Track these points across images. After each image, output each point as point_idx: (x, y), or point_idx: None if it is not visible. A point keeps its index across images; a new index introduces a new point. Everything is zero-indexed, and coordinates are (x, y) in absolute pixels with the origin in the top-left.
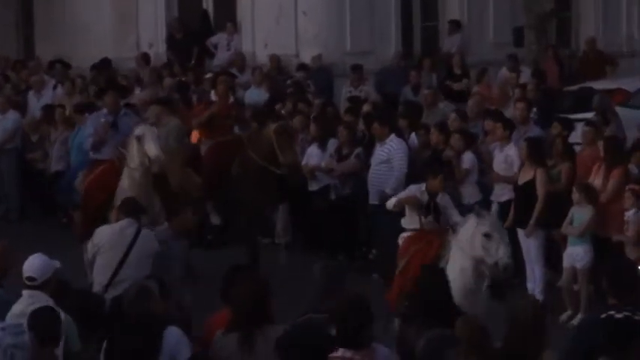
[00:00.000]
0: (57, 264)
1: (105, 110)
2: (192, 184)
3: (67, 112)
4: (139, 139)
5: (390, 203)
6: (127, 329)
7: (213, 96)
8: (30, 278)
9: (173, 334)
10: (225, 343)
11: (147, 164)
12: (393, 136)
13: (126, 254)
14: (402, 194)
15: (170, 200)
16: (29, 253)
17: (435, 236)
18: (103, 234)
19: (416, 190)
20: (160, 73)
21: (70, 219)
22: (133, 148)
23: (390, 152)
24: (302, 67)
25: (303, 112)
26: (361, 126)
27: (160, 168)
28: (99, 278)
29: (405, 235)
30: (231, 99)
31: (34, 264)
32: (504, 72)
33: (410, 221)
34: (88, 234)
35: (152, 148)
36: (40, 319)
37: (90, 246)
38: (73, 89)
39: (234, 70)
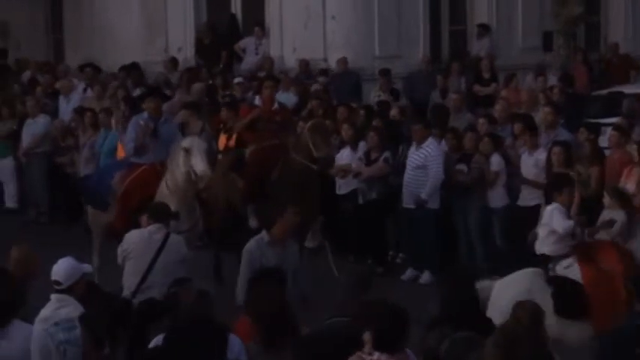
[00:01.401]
0: (86, 268)
1: (145, 115)
2: (236, 189)
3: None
4: (187, 151)
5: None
6: (190, 334)
7: (257, 100)
8: (56, 282)
9: (236, 342)
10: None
11: (192, 177)
12: (430, 140)
13: (154, 260)
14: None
15: (209, 207)
16: (57, 257)
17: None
18: (131, 239)
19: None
20: (190, 77)
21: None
22: (180, 158)
23: (427, 157)
24: (324, 72)
25: (330, 116)
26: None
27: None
28: (127, 283)
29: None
30: (276, 104)
31: (60, 268)
32: (531, 77)
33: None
34: (125, 232)
35: (199, 164)
36: (86, 325)
37: (119, 251)
38: (103, 93)
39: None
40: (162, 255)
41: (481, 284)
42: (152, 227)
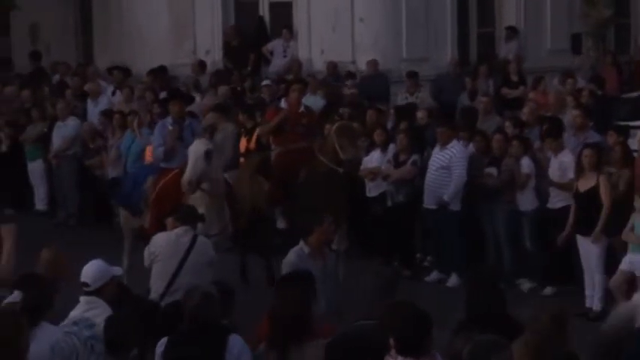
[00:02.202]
0: (116, 270)
1: (170, 119)
2: (261, 192)
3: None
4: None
5: None
6: (189, 336)
7: (283, 103)
8: (85, 284)
9: (237, 342)
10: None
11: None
12: (455, 141)
13: (182, 262)
14: None
15: (236, 210)
16: (87, 259)
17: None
18: (159, 242)
19: None
20: (218, 80)
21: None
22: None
23: (451, 159)
24: (351, 75)
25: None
26: None
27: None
28: (155, 286)
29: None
30: (302, 107)
31: (89, 270)
32: (557, 80)
33: None
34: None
35: (187, 171)
36: (112, 328)
37: (146, 254)
38: (131, 96)
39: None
40: (190, 257)
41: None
42: (179, 230)
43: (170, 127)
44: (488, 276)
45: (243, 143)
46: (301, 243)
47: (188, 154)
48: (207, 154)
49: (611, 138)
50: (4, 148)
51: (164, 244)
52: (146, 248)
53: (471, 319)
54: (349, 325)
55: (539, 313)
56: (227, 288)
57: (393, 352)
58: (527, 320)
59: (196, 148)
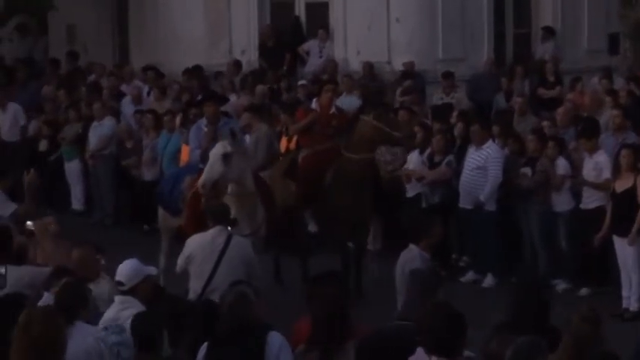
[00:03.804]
0: (151, 270)
1: (204, 120)
2: (292, 193)
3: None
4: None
5: None
6: (228, 336)
7: (314, 104)
8: (119, 283)
9: (277, 339)
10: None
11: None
12: (490, 142)
13: (217, 263)
14: None
15: (273, 210)
16: (123, 259)
17: None
18: (194, 244)
19: None
20: (254, 80)
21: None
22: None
23: (487, 159)
24: (407, 75)
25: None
26: None
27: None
28: (193, 287)
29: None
30: (333, 108)
31: (123, 269)
32: (595, 80)
33: None
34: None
35: (204, 173)
36: (140, 325)
37: (181, 259)
38: (162, 96)
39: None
40: (226, 257)
41: None
42: (214, 230)
43: (205, 129)
44: (535, 282)
45: (283, 143)
46: (415, 248)
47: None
48: (225, 157)
49: None
50: (42, 147)
51: (199, 246)
52: (180, 254)
53: (514, 322)
54: (385, 325)
55: (572, 316)
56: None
57: (420, 351)
58: (561, 324)
59: (215, 151)
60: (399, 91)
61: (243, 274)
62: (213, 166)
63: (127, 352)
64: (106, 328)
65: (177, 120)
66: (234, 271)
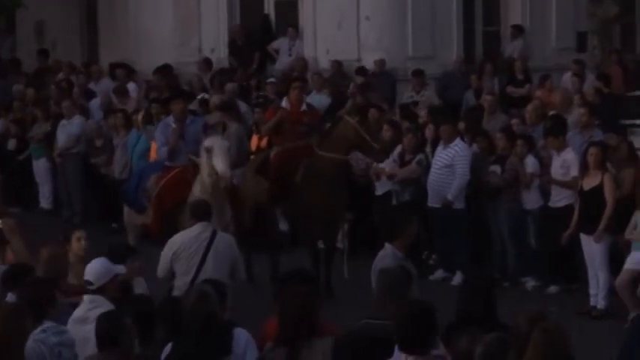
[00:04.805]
0: (119, 269)
1: (171, 118)
2: (263, 191)
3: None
4: (209, 150)
5: None
6: (193, 334)
7: (284, 102)
8: (88, 282)
9: (243, 335)
10: (272, 358)
11: (214, 177)
12: (458, 139)
13: (204, 258)
14: None
15: (240, 208)
16: (91, 258)
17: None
18: (178, 242)
19: None
20: (223, 78)
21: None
22: (203, 158)
23: (455, 157)
24: (361, 70)
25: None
26: None
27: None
28: (178, 284)
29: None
30: (304, 105)
31: (92, 268)
32: (568, 77)
33: None
34: (160, 233)
35: (220, 164)
36: (101, 324)
37: (163, 259)
38: (126, 94)
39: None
40: (211, 253)
41: None
42: (197, 227)
43: (173, 126)
44: (485, 276)
45: (254, 141)
46: (389, 247)
47: (211, 150)
48: (208, 151)
49: (615, 138)
50: (11, 145)
51: (184, 243)
52: (162, 256)
53: (465, 317)
54: (356, 324)
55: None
56: (220, 287)
57: (397, 350)
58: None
59: (221, 143)
60: (352, 86)
61: (228, 270)
62: (226, 155)
63: (69, 353)
64: (44, 331)
65: (139, 117)
66: (220, 266)
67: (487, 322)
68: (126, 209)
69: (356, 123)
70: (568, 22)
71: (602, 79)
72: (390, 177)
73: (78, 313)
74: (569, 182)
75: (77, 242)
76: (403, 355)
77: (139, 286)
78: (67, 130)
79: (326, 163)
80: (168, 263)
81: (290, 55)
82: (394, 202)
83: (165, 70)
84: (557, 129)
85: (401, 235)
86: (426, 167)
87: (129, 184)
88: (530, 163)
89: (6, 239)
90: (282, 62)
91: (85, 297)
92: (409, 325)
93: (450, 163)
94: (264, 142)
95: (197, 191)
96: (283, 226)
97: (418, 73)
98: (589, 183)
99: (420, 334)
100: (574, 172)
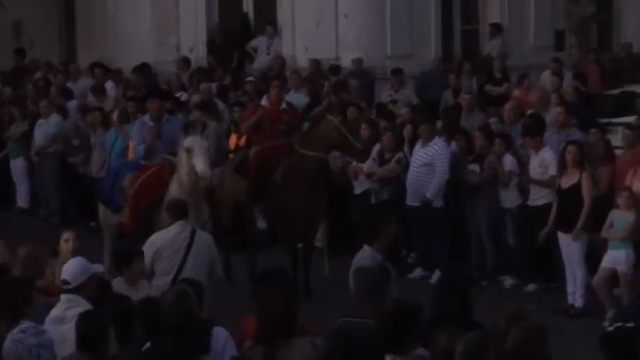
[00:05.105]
0: (96, 268)
1: (147, 116)
2: (242, 190)
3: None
4: (188, 150)
5: None
6: (171, 333)
7: (264, 101)
8: (65, 282)
9: (222, 334)
10: (251, 356)
11: (194, 176)
12: (437, 138)
13: (185, 257)
14: None
15: (218, 207)
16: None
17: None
18: (158, 241)
19: None
20: (201, 77)
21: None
22: (182, 157)
23: (434, 156)
24: (335, 69)
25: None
26: None
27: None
28: (159, 283)
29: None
30: (284, 104)
31: (69, 268)
32: (546, 75)
33: None
34: (136, 233)
35: (200, 164)
36: (82, 324)
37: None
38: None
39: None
40: (192, 251)
41: None
42: (176, 226)
43: (150, 124)
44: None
45: (233, 140)
46: (368, 249)
47: (191, 150)
48: (188, 151)
49: (594, 135)
50: None
51: (164, 242)
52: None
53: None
54: (334, 323)
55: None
56: (198, 286)
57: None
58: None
59: (201, 143)
60: (327, 85)
61: (207, 269)
62: (205, 157)
63: (48, 354)
64: (23, 331)
65: (115, 116)
66: (199, 265)
67: (463, 320)
68: (101, 208)
69: (339, 122)
70: (546, 20)
71: (579, 78)
72: (369, 176)
73: (55, 312)
74: (547, 181)
75: (65, 243)
76: (388, 357)
77: (143, 288)
78: (45, 129)
79: (306, 162)
80: (149, 263)
81: (268, 53)
82: (373, 200)
83: (143, 69)
84: (534, 128)
85: (379, 237)
86: (405, 166)
87: (104, 183)
88: (509, 162)
89: None
90: (261, 61)
91: (63, 296)
92: (390, 324)
93: (429, 161)
94: (242, 140)
95: (174, 190)
96: (262, 224)
97: (397, 72)
98: (567, 181)
99: (400, 334)
100: (552, 170)
